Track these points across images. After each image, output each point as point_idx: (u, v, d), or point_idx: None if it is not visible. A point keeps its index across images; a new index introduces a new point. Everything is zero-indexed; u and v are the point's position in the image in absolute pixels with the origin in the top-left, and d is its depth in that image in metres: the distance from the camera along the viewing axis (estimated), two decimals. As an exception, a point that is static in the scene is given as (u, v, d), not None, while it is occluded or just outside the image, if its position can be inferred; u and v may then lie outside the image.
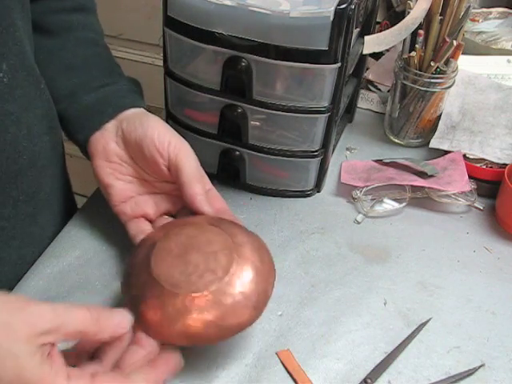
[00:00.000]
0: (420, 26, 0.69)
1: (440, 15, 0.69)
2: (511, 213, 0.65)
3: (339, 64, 0.57)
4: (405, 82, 0.73)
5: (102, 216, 0.64)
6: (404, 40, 0.72)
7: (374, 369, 0.50)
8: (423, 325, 0.54)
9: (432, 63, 0.70)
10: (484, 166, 0.70)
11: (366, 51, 0.69)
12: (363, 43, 0.68)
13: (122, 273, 0.50)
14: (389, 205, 0.67)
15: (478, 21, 0.93)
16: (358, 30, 0.68)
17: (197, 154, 0.56)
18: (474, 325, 0.55)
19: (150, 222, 0.58)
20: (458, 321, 0.55)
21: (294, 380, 0.49)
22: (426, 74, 0.71)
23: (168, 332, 0.44)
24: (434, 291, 0.58)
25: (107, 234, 0.62)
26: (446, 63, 0.71)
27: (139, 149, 0.56)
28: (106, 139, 0.57)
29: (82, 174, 0.79)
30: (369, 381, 0.49)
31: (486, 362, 0.51)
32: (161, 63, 0.65)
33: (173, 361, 0.44)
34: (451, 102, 0.76)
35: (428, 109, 0.75)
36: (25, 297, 0.40)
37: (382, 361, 0.51)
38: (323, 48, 0.55)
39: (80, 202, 0.71)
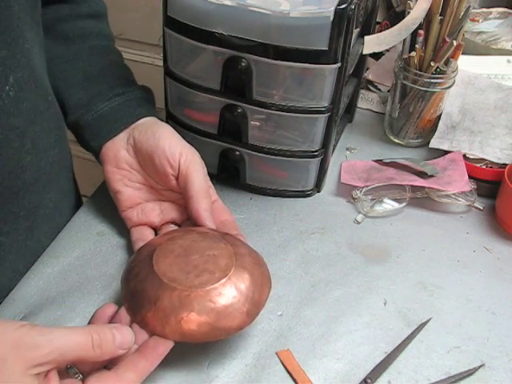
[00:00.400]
0: (420, 26, 0.69)
1: (440, 15, 0.69)
2: (511, 213, 0.65)
3: (339, 64, 0.57)
4: (405, 82, 0.73)
5: (102, 216, 0.64)
6: (404, 40, 0.72)
7: (374, 369, 0.50)
8: (423, 325, 0.54)
9: (432, 63, 0.70)
10: (484, 166, 0.70)
11: (365, 51, 0.69)
12: (363, 43, 0.68)
13: (124, 271, 0.51)
14: (389, 205, 0.67)
15: (478, 21, 0.93)
16: (358, 29, 0.68)
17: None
18: (474, 325, 0.55)
19: (155, 229, 0.59)
20: (458, 321, 0.55)
21: (294, 380, 0.49)
22: (426, 74, 0.71)
23: (161, 326, 0.45)
24: (433, 291, 0.58)
25: (107, 234, 0.62)
26: (446, 63, 0.71)
27: (150, 158, 0.57)
28: (117, 146, 0.59)
29: (84, 175, 0.79)
30: (369, 381, 0.49)
31: (486, 362, 0.51)
32: (161, 63, 0.65)
33: (162, 346, 0.44)
34: (451, 102, 0.76)
35: (428, 109, 0.75)
36: (21, 327, 0.39)
37: (382, 361, 0.51)
38: (323, 48, 0.55)
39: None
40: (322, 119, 0.62)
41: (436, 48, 0.71)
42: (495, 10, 0.95)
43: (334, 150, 0.74)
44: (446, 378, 0.50)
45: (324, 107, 0.60)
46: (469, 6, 0.69)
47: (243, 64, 0.57)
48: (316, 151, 0.65)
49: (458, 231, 0.65)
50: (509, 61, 0.84)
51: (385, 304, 0.56)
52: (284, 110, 0.60)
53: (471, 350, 0.53)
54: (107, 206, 0.62)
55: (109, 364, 0.44)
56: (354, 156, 0.76)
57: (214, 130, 0.65)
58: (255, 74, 0.58)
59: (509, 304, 0.57)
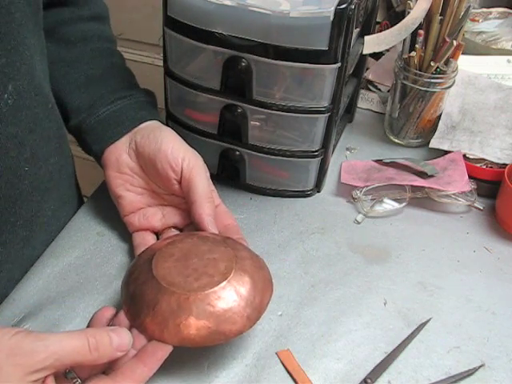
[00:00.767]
0: (420, 26, 0.69)
1: (440, 15, 0.69)
2: (511, 213, 0.65)
3: (339, 64, 0.57)
4: (405, 82, 0.73)
5: (102, 216, 0.64)
6: (404, 40, 0.72)
7: (374, 369, 0.50)
8: (423, 325, 0.54)
9: (432, 63, 0.70)
10: (484, 166, 0.70)
11: (365, 51, 0.69)
12: (363, 43, 0.68)
13: (124, 275, 0.51)
14: (389, 205, 0.67)
15: (478, 21, 0.93)
16: (358, 30, 0.68)
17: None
18: (473, 325, 0.55)
19: (157, 234, 0.59)
20: (458, 321, 0.55)
21: (294, 380, 0.49)
22: (426, 74, 0.71)
23: (160, 330, 0.44)
24: (433, 291, 0.58)
25: (107, 234, 0.62)
26: (446, 63, 0.71)
27: (152, 163, 0.56)
28: (119, 151, 0.58)
29: (84, 175, 0.79)
30: (369, 381, 0.49)
31: (486, 362, 0.51)
32: (161, 63, 0.65)
33: (160, 351, 0.44)
34: (451, 102, 0.76)
35: (428, 109, 0.75)
36: (17, 334, 0.38)
37: (382, 361, 0.51)
38: (323, 48, 0.55)
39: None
40: (322, 119, 0.62)
41: (436, 48, 0.71)
42: (495, 10, 0.95)
43: (334, 150, 0.74)
44: (445, 378, 0.50)
45: (324, 107, 0.60)
46: (469, 6, 0.69)
47: (243, 64, 0.57)
48: (316, 151, 0.65)
49: (457, 231, 0.65)
50: (509, 61, 0.84)
51: (385, 304, 0.56)
52: (284, 109, 0.60)
53: (471, 350, 0.53)
54: (107, 206, 0.62)
55: (107, 370, 0.43)
56: (353, 156, 0.76)
57: (214, 129, 0.64)
58: (255, 73, 0.58)
59: (509, 304, 0.57)
